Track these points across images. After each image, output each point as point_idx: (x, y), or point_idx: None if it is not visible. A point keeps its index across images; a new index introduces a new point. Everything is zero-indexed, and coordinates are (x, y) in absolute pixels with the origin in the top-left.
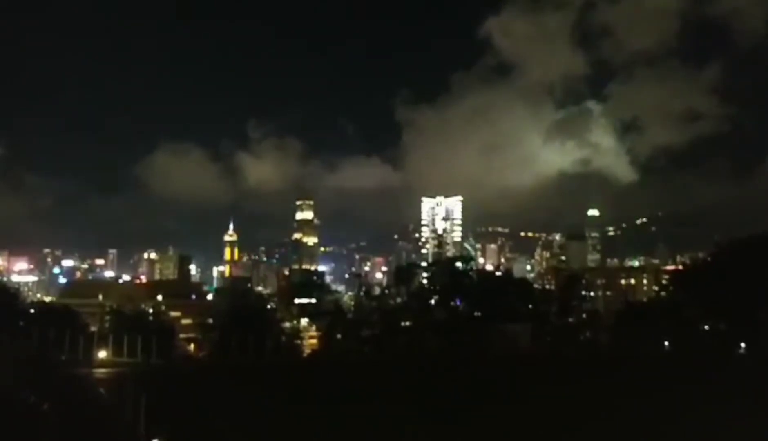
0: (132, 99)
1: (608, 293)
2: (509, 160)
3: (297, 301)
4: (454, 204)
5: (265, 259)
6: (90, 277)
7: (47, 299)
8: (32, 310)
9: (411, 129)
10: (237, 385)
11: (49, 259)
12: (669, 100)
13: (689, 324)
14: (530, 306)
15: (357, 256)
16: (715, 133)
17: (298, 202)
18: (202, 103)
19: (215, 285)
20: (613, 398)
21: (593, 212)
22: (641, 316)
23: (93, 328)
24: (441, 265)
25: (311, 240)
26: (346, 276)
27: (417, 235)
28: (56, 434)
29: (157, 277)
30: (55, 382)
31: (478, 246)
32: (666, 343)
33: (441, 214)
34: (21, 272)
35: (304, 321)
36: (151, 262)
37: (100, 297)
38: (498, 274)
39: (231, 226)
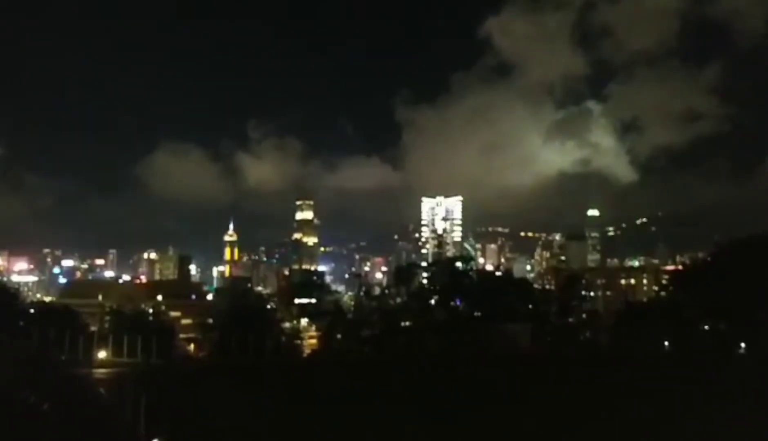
0: (132, 99)
1: (608, 293)
2: (509, 160)
3: (297, 301)
4: (454, 204)
5: (265, 259)
6: (90, 277)
7: (47, 299)
8: (32, 310)
9: (411, 129)
10: (237, 385)
11: (49, 259)
12: (669, 100)
13: (689, 324)
14: (530, 306)
15: (357, 256)
16: (715, 133)
17: (298, 202)
18: (202, 103)
19: (215, 285)
20: (613, 398)
21: (593, 212)
22: (641, 316)
23: (93, 328)
24: (441, 265)
25: (311, 240)
26: (346, 276)
27: (417, 235)
28: (56, 434)
29: (157, 277)
30: (55, 382)
31: (478, 246)
32: (666, 343)
33: (441, 214)
34: (21, 272)
35: (304, 321)
36: (151, 262)
37: (100, 297)
38: (498, 274)
39: (231, 226)
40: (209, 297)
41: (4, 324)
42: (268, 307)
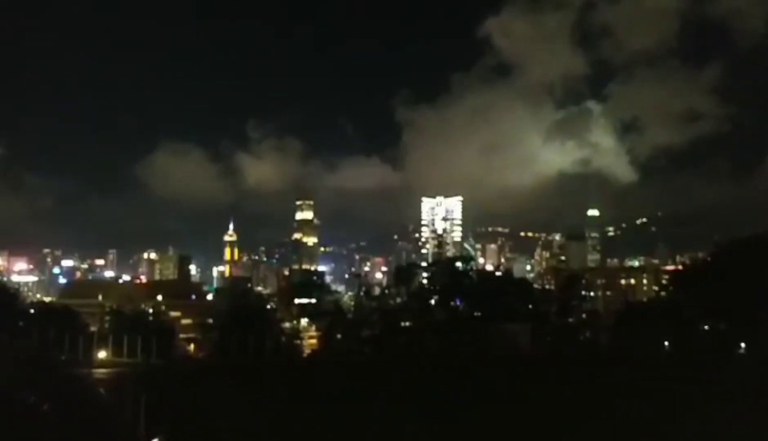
0: (132, 99)
1: (608, 293)
2: (509, 160)
3: (297, 301)
4: (454, 204)
5: (265, 259)
6: (90, 278)
7: (47, 299)
8: (32, 311)
9: (411, 129)
10: (237, 385)
11: (49, 259)
12: (669, 100)
13: (689, 324)
14: (530, 306)
15: (357, 256)
16: (715, 133)
17: (298, 202)
18: (202, 103)
19: (215, 285)
20: (613, 398)
21: (593, 212)
22: (641, 316)
23: (93, 329)
24: (441, 265)
25: (311, 240)
26: (346, 276)
27: (417, 235)
28: (56, 434)
29: (157, 277)
30: (55, 382)
31: (478, 246)
32: (666, 343)
33: (441, 214)
34: (21, 272)
35: (304, 321)
36: (151, 262)
37: (100, 297)
38: (498, 274)
39: (231, 226)
40: (209, 297)
41: (4, 324)
42: (268, 307)
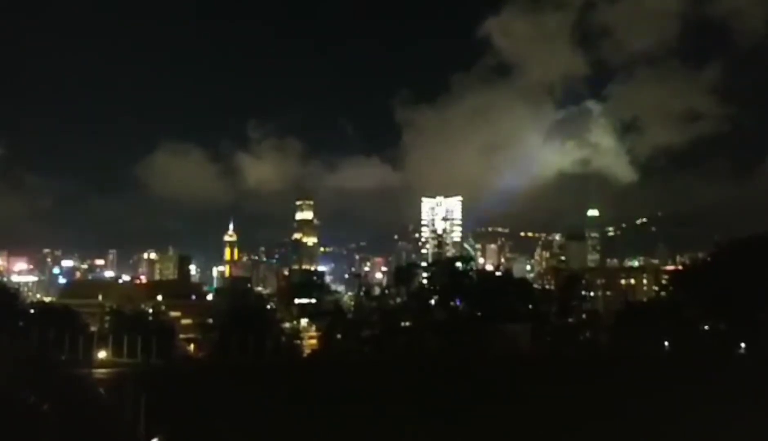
0: (132, 99)
1: (608, 293)
2: (509, 160)
3: (297, 301)
4: (454, 204)
5: (265, 259)
6: (90, 278)
7: (47, 299)
8: (32, 311)
9: (411, 129)
10: (237, 385)
11: (48, 260)
12: (669, 100)
13: (689, 324)
14: (530, 306)
15: (357, 256)
16: (715, 133)
17: (298, 202)
18: (202, 103)
19: (215, 285)
20: (613, 398)
21: (593, 212)
22: (641, 316)
23: (93, 329)
24: (441, 265)
25: (311, 240)
26: (346, 276)
27: (417, 235)
28: (56, 434)
29: (157, 277)
30: (55, 382)
31: (478, 246)
32: (666, 343)
33: (441, 214)
34: (21, 272)
35: (304, 321)
36: (151, 262)
37: (100, 297)
38: (498, 274)
39: (231, 226)
40: (209, 297)
41: (4, 324)
42: (268, 307)
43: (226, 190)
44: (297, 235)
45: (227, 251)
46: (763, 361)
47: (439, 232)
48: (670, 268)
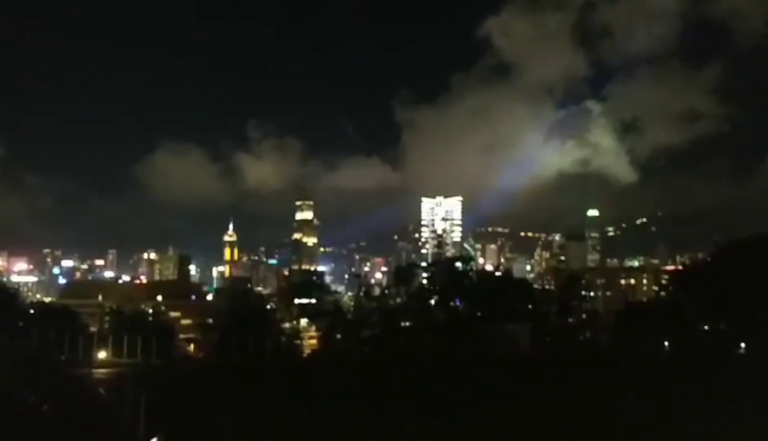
0: (132, 99)
1: (608, 293)
2: (509, 160)
3: (297, 301)
4: (454, 204)
5: (264, 259)
6: (90, 278)
7: (47, 300)
8: (32, 311)
9: (411, 129)
10: (237, 385)
11: (48, 260)
12: (669, 100)
13: (689, 324)
14: (530, 306)
15: (357, 257)
16: (715, 133)
17: (297, 203)
18: (202, 103)
19: (215, 285)
20: (613, 398)
21: (593, 212)
22: (641, 316)
23: (93, 329)
24: (441, 265)
25: (311, 240)
26: (346, 276)
27: (417, 235)
28: (56, 434)
29: (156, 277)
30: (55, 382)
31: (478, 246)
32: (666, 343)
33: (441, 214)
34: (21, 272)
35: (303, 321)
36: (150, 262)
37: (100, 297)
38: (498, 274)
39: (231, 227)
40: (209, 297)
41: (4, 324)
42: (268, 307)
43: (226, 190)
44: (297, 235)
45: (227, 251)
46: (763, 361)
47: (439, 232)
48: (670, 268)
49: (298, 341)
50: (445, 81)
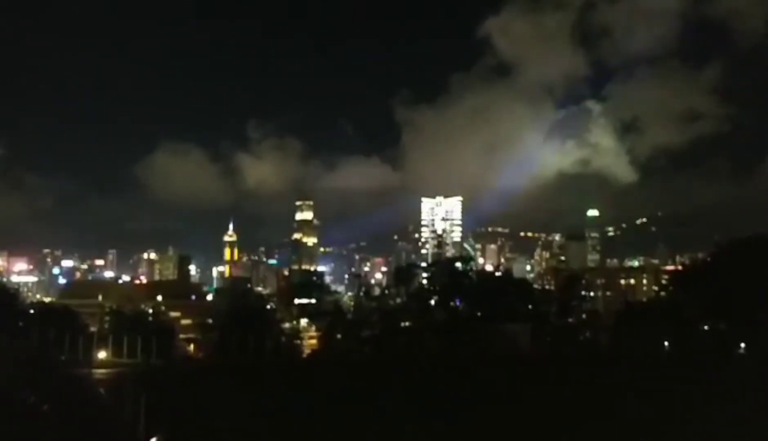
0: (132, 99)
1: (608, 293)
2: (509, 160)
3: (297, 301)
4: (454, 204)
5: (264, 259)
6: (90, 278)
7: (47, 300)
8: (32, 311)
9: (410, 129)
10: (237, 385)
11: (48, 260)
12: (669, 100)
13: (689, 324)
14: (530, 306)
15: (357, 257)
16: (715, 133)
17: (297, 203)
18: (202, 103)
19: (215, 285)
20: (613, 398)
21: (593, 212)
22: (641, 316)
23: (93, 329)
24: (441, 265)
25: (311, 240)
26: (346, 276)
27: (417, 235)
28: (56, 434)
29: (156, 277)
30: (55, 382)
31: (478, 246)
32: (666, 343)
33: (440, 214)
34: (21, 273)
35: (303, 321)
36: (150, 262)
37: (100, 297)
38: (498, 274)
39: (231, 227)
40: (209, 297)
41: (4, 324)
42: (268, 307)
43: (226, 190)
44: (297, 235)
45: (227, 251)
46: (763, 361)
47: (439, 232)
48: (670, 268)
49: (298, 341)
50: (445, 81)
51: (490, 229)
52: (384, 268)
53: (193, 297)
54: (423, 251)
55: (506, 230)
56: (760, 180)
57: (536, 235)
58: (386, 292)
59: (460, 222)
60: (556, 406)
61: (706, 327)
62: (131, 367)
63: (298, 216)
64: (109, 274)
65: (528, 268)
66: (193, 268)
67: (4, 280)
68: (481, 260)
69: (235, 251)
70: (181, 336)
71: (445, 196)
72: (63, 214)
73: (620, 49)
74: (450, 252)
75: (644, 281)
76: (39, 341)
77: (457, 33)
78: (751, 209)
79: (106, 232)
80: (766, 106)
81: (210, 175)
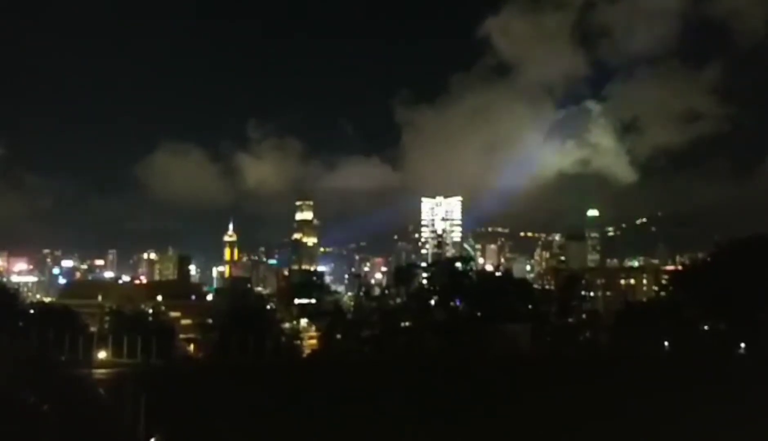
0: (132, 99)
1: (608, 293)
2: (509, 160)
3: (297, 301)
4: (454, 204)
5: (264, 259)
6: (90, 278)
7: (47, 300)
8: (32, 311)
9: (410, 129)
10: (237, 385)
11: (48, 260)
12: (669, 100)
13: (689, 324)
14: (530, 306)
15: (357, 257)
16: (715, 133)
17: (297, 203)
18: (202, 103)
19: (215, 285)
20: (613, 398)
21: (593, 212)
22: (641, 316)
23: (93, 329)
24: (441, 265)
25: (311, 240)
26: (346, 276)
27: (417, 235)
28: (56, 434)
29: (156, 277)
30: (55, 382)
31: (478, 246)
32: (666, 343)
33: (440, 214)
34: (21, 273)
35: (303, 321)
36: (150, 262)
37: (100, 298)
38: (498, 274)
39: (231, 227)
40: (209, 297)
41: (4, 324)
42: (268, 307)
43: (226, 190)
44: (297, 235)
45: (227, 251)
46: (763, 361)
47: (439, 232)
48: (670, 268)
49: (298, 341)
50: (445, 81)
51: (490, 229)
52: (384, 268)
53: (193, 297)
54: (423, 251)
55: (506, 230)
56: (760, 180)
57: (536, 235)
58: (386, 292)
59: (460, 222)
60: (556, 406)
61: (706, 327)
62: (131, 367)
63: (298, 216)
64: (109, 274)
65: (528, 268)
66: (193, 268)
67: (4, 280)
68: (481, 260)
69: (235, 251)
70: (181, 336)
71: (445, 196)
72: (63, 214)
73: (620, 49)
74: (450, 252)
75: (644, 281)
76: (39, 341)
77: (457, 33)
78: (751, 209)
79: (106, 232)
80: (766, 106)
81: (210, 175)
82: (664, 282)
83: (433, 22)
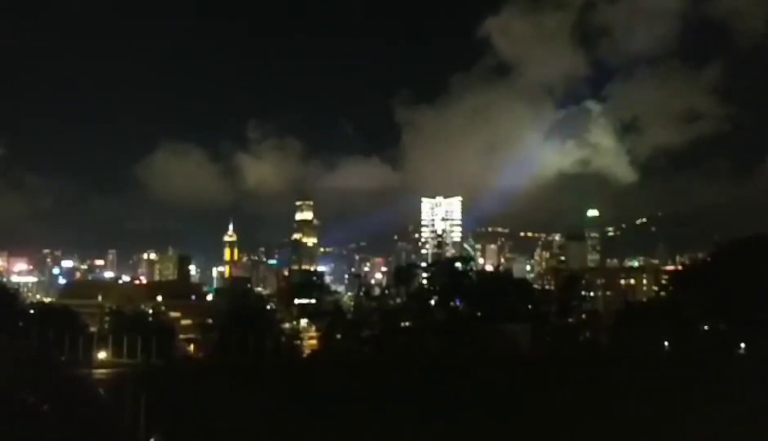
0: (132, 99)
1: (608, 293)
2: (509, 160)
3: (297, 301)
4: (454, 204)
5: (264, 259)
6: (89, 278)
7: (47, 300)
8: (32, 311)
9: (410, 129)
10: (237, 385)
11: (48, 260)
12: (669, 100)
13: (689, 324)
14: (530, 306)
15: (357, 257)
16: (715, 133)
17: (297, 203)
18: (202, 103)
19: (215, 285)
20: (613, 398)
21: (593, 212)
22: (641, 316)
23: (93, 329)
24: (441, 265)
25: (311, 240)
26: (346, 276)
27: (417, 235)
28: (56, 434)
29: (156, 277)
30: (55, 383)
31: (478, 246)
32: (666, 343)
33: (440, 214)
34: (21, 273)
35: (303, 321)
36: (150, 262)
37: (100, 298)
38: (498, 274)
39: (231, 227)
40: (209, 297)
41: (4, 324)
42: (268, 307)
43: (226, 190)
44: (297, 235)
45: (227, 251)
46: (763, 361)
47: (439, 232)
48: (670, 268)
49: (298, 341)
50: (445, 81)
51: (490, 229)
52: (384, 268)
53: (193, 297)
54: (423, 251)
55: (506, 230)
56: (760, 180)
57: (536, 235)
58: (386, 292)
59: (460, 222)
60: (557, 406)
61: (706, 327)
62: (131, 368)
63: (298, 216)
64: (109, 274)
65: (528, 268)
66: (193, 268)
67: (4, 280)
68: (481, 260)
69: (235, 251)
70: (181, 336)
71: (445, 196)
72: (63, 214)
73: (620, 49)
74: (450, 252)
75: (644, 281)
76: (39, 341)
77: (457, 33)
78: (751, 209)
79: (106, 232)
80: (766, 106)
81: (210, 175)
82: (664, 282)
83: (433, 22)
